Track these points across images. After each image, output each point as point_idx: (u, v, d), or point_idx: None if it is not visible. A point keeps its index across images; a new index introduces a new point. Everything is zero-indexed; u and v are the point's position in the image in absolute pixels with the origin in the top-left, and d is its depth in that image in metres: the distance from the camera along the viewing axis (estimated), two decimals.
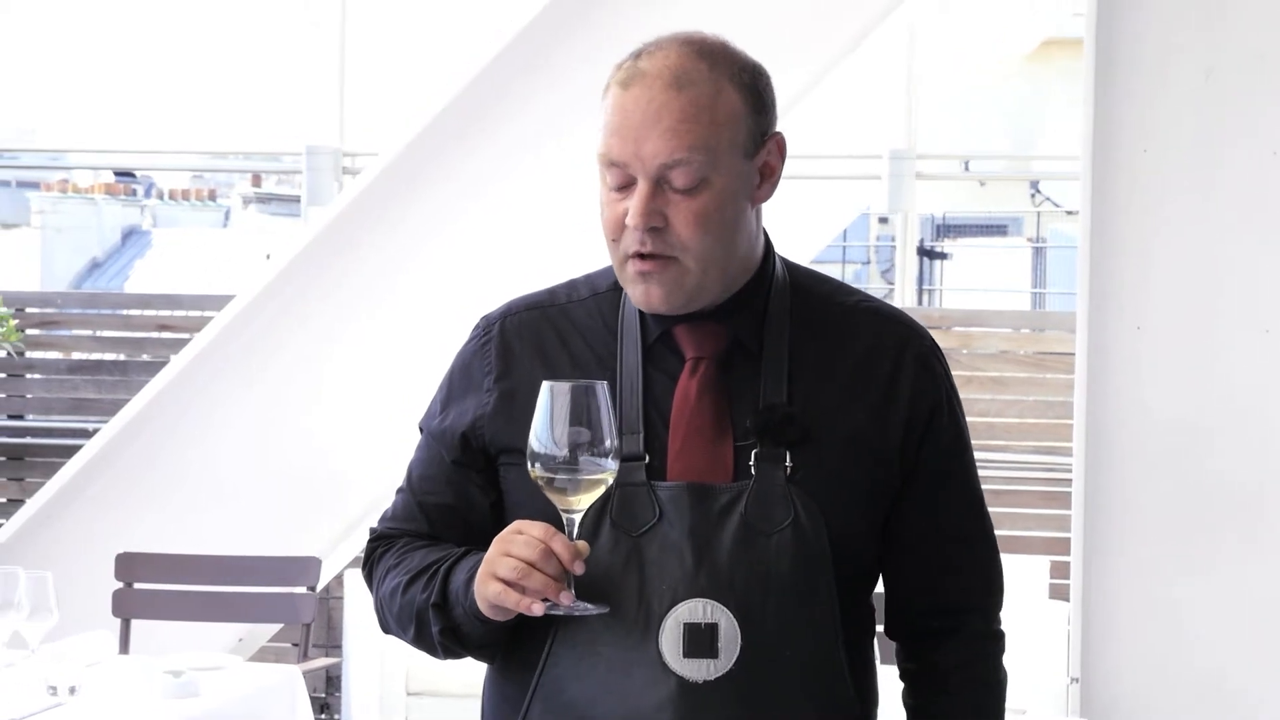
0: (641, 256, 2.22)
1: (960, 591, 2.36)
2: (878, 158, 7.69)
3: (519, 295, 2.42)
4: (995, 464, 7.52)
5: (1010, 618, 2.46)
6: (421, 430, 2.42)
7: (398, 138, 6.00)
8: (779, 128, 2.32)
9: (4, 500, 8.10)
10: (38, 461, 8.05)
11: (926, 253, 19.44)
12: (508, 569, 2.13)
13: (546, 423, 2.14)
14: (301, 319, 6.04)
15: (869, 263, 19.27)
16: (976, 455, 2.44)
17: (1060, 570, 6.63)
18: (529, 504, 2.27)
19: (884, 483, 2.30)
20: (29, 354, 8.21)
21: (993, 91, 16.01)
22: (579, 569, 2.13)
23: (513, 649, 2.32)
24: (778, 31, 5.61)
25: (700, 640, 2.20)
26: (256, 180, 20.32)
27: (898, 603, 2.37)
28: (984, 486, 2.45)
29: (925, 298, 19.28)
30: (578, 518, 2.17)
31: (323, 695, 7.55)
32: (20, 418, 8.24)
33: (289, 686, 4.84)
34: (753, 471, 2.24)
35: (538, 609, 2.13)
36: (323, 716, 7.55)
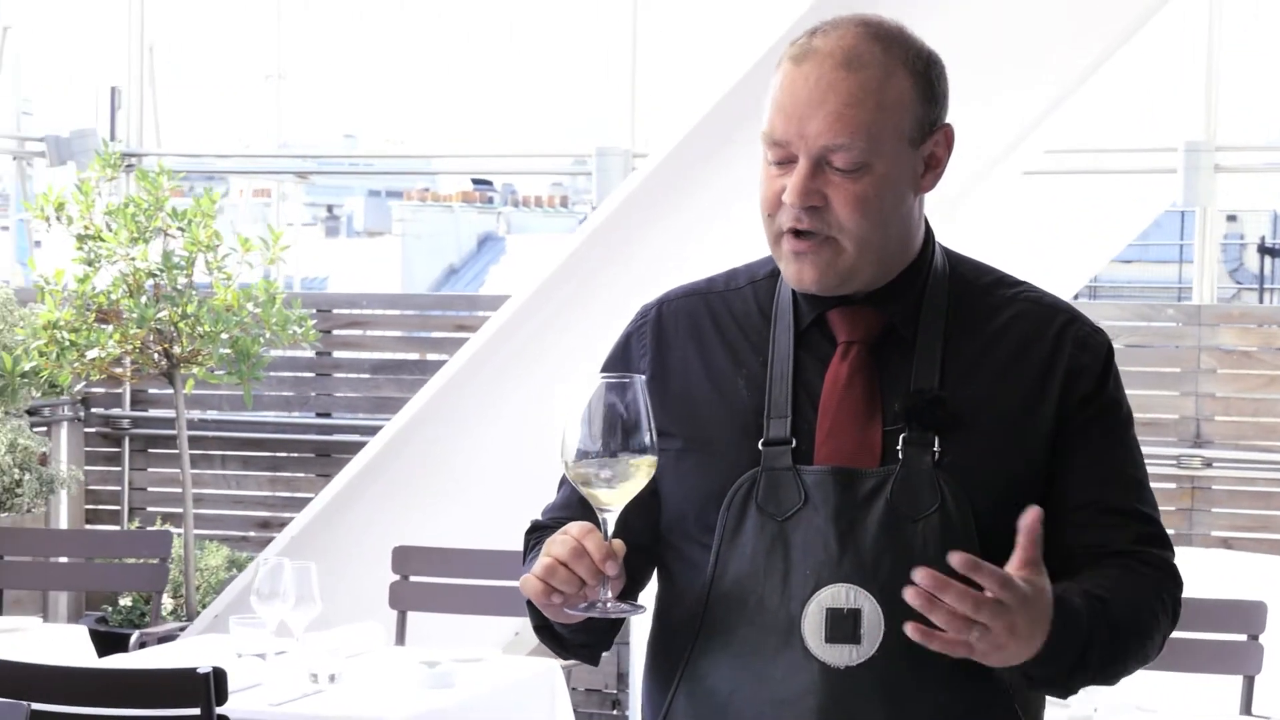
0: (797, 234, 2.21)
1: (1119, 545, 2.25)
2: (1174, 150, 7.44)
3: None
4: None
5: None
6: None
7: (666, 140, 6.03)
8: (949, 119, 2.28)
9: (312, 496, 8.37)
10: (344, 458, 8.27)
11: (1268, 250, 18.82)
12: (542, 566, 2.12)
13: (583, 418, 2.12)
14: (571, 319, 6.11)
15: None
16: None
17: None
18: (676, 490, 2.28)
19: (1036, 468, 2.23)
20: (336, 354, 8.48)
21: None
22: (611, 569, 2.10)
23: (662, 635, 2.33)
24: (1053, 18, 5.48)
25: (843, 626, 2.17)
26: None
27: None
28: None
29: (1266, 297, 18.63)
30: (612, 517, 2.14)
31: (614, 691, 7.63)
32: (328, 416, 8.51)
33: (548, 680, 4.89)
34: (900, 456, 2.21)
35: (557, 600, 2.10)
36: (614, 712, 7.63)
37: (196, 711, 3.75)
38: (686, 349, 2.33)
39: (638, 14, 8.00)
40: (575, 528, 2.13)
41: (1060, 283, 7.72)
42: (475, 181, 22.32)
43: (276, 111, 9.65)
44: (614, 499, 2.13)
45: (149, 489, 8.76)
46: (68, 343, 6.72)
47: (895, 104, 2.19)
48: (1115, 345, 2.36)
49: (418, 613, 5.72)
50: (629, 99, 8.00)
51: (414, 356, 8.21)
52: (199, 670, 3.76)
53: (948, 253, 2.34)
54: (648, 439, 2.12)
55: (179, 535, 7.19)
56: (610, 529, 2.13)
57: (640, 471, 2.12)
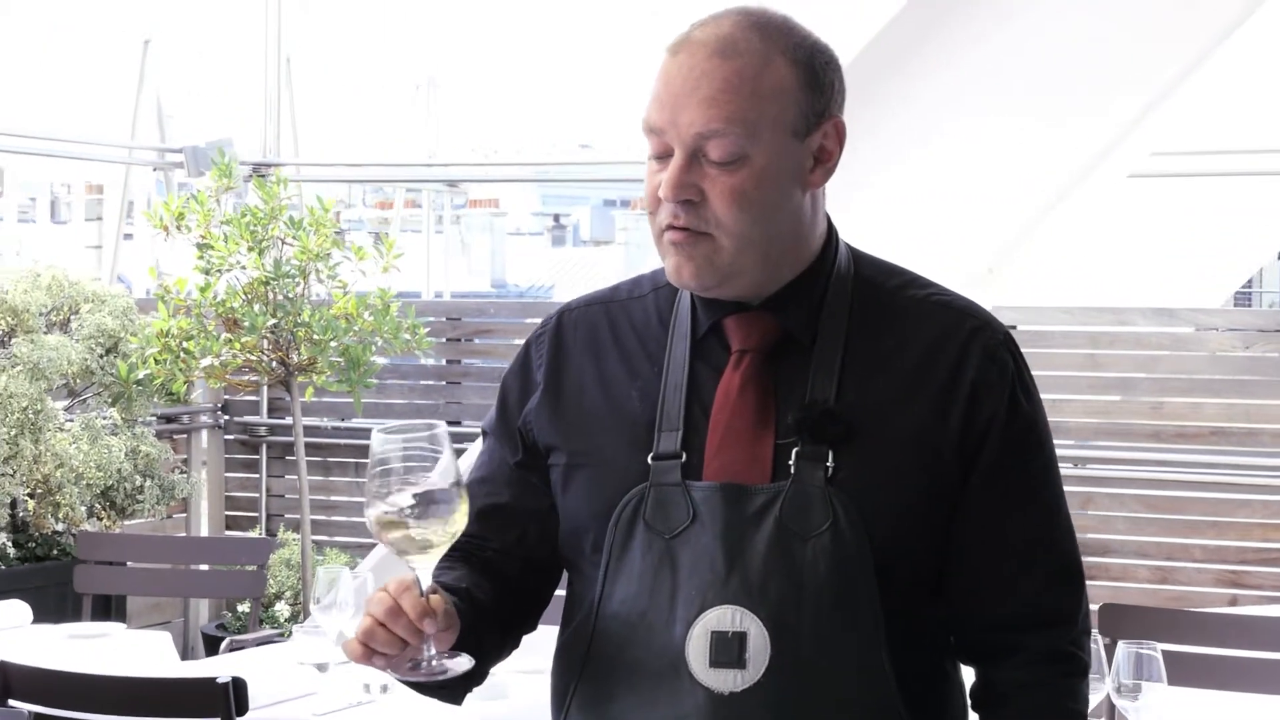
0: (675, 229, 2.11)
1: (1022, 606, 2.15)
2: None
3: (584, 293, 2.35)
4: None
5: None
6: (485, 434, 2.37)
7: None
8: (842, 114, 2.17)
9: None
10: None
11: None
12: (361, 628, 2.02)
13: (381, 474, 2.01)
14: None
15: None
16: None
17: None
18: (568, 506, 2.21)
19: (941, 483, 2.12)
20: (464, 361, 8.48)
21: None
22: (429, 627, 2.00)
23: (559, 653, 2.27)
24: (1147, 16, 5.28)
25: (727, 649, 2.08)
26: None
27: (958, 618, 2.18)
28: None
29: None
30: (424, 574, 2.03)
31: None
32: (457, 423, 8.50)
33: None
34: (792, 471, 2.10)
35: (378, 662, 2.01)
36: None
37: None
38: (583, 359, 2.24)
39: None
40: (393, 585, 2.03)
41: (1204, 290, 7.47)
42: None
43: (426, 119, 9.73)
44: (423, 558, 2.02)
45: (286, 496, 8.85)
46: (183, 351, 6.78)
47: (773, 92, 2.08)
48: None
49: None
50: None
51: None
52: (218, 680, 3.75)
53: (855, 254, 2.22)
54: (447, 493, 2.01)
55: (296, 541, 7.23)
56: (425, 584, 2.03)
57: (443, 527, 2.02)
